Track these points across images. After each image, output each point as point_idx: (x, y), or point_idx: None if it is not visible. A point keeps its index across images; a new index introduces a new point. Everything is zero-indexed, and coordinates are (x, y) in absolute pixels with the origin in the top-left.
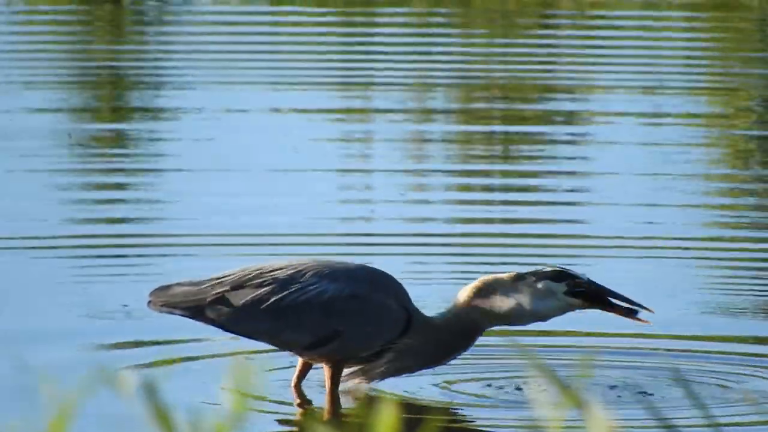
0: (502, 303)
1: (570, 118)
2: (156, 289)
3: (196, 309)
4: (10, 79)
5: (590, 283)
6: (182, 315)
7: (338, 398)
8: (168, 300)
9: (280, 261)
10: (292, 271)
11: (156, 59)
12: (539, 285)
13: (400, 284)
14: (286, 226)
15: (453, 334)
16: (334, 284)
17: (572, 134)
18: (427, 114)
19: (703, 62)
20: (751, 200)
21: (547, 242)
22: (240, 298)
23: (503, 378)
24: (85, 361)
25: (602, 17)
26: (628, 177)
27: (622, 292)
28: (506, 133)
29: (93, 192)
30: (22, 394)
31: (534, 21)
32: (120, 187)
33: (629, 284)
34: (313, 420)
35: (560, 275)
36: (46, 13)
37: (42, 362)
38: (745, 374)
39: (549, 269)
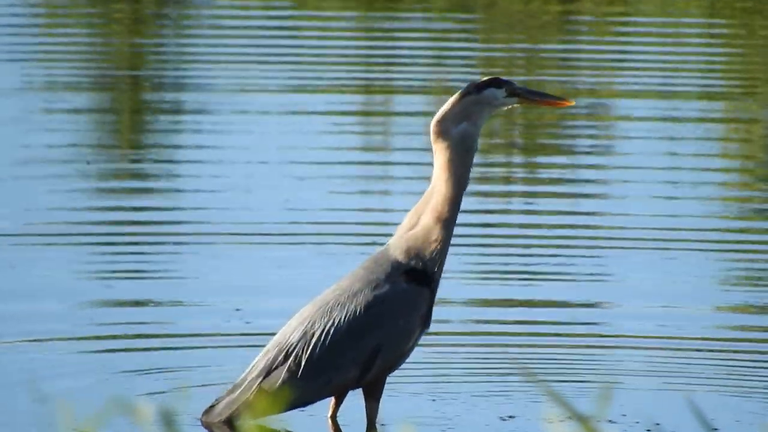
0: (464, 120)
1: (590, 111)
2: (203, 414)
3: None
4: (29, 79)
5: (521, 87)
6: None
7: (376, 429)
8: (219, 418)
9: (286, 327)
10: (302, 328)
11: (176, 61)
12: (484, 93)
13: (387, 255)
14: (305, 215)
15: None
16: (343, 310)
17: (592, 127)
18: None
19: (722, 64)
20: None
21: (565, 233)
22: (277, 379)
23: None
24: (103, 388)
25: (623, 23)
26: (646, 172)
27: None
28: (526, 129)
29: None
30: (40, 425)
31: (555, 26)
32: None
33: (649, 275)
34: None
35: (499, 82)
36: (65, 15)
37: (59, 389)
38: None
39: (486, 78)
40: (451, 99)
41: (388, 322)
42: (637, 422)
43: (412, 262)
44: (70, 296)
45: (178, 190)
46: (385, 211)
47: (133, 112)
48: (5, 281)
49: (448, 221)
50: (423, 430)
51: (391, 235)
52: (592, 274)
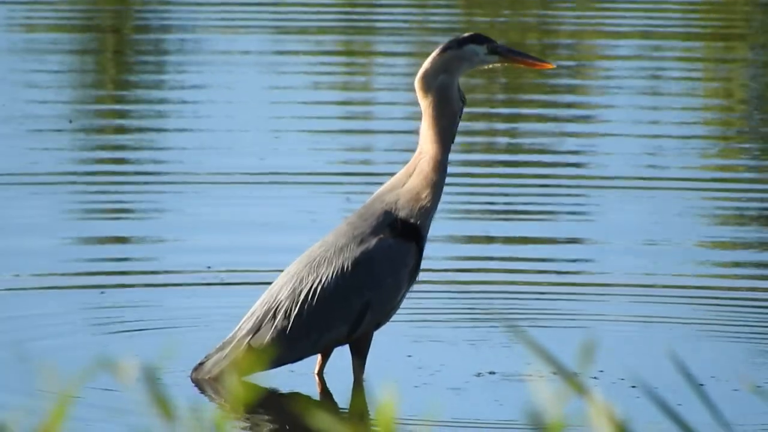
0: (443, 74)
1: (571, 74)
2: (193, 370)
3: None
4: (10, 21)
5: (502, 45)
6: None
7: (363, 386)
8: (209, 377)
9: (273, 285)
10: (290, 285)
11: (158, 2)
12: (465, 48)
13: (373, 210)
14: (288, 165)
15: (441, 117)
16: (330, 266)
17: (572, 85)
18: None
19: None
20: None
21: (553, 191)
22: (265, 337)
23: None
24: (86, 346)
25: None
26: (628, 111)
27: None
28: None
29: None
30: (22, 381)
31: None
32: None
33: (634, 222)
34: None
35: (480, 38)
36: None
37: (41, 348)
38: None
39: (466, 34)
40: (432, 54)
41: (377, 279)
42: (622, 379)
43: (401, 215)
44: (52, 234)
45: (160, 130)
46: (367, 150)
47: (115, 52)
48: None
49: (435, 181)
50: (402, 387)
51: (374, 175)
52: (574, 213)
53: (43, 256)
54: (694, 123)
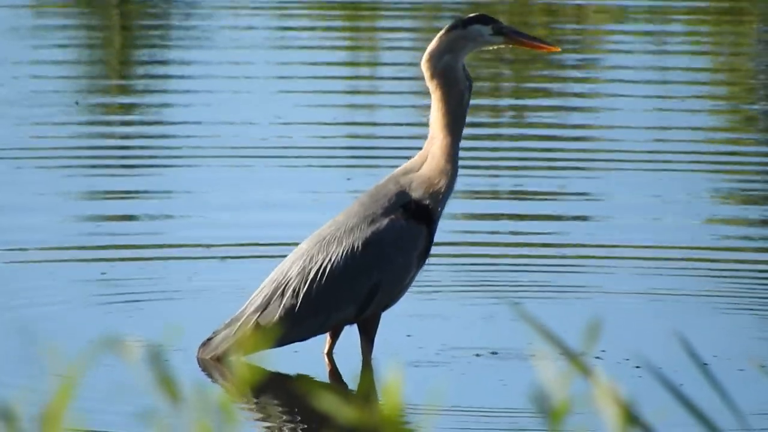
0: (449, 51)
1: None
2: (200, 347)
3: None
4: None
5: (508, 26)
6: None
7: (371, 367)
8: (215, 353)
9: (283, 263)
10: (300, 263)
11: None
12: (470, 28)
13: (385, 191)
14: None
15: (450, 103)
16: (341, 246)
17: (580, 60)
18: None
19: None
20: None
21: (554, 156)
22: (273, 314)
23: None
24: (89, 319)
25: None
26: (635, 86)
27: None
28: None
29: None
30: (27, 362)
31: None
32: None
33: (638, 191)
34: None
35: (485, 19)
36: None
37: (47, 327)
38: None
39: (471, 15)
40: (438, 35)
41: (387, 260)
42: (627, 359)
43: (414, 197)
44: (57, 211)
45: (166, 105)
46: (373, 124)
47: (122, 28)
48: None
49: (447, 168)
50: (406, 367)
51: (378, 149)
52: (580, 193)
53: (47, 231)
54: (702, 97)
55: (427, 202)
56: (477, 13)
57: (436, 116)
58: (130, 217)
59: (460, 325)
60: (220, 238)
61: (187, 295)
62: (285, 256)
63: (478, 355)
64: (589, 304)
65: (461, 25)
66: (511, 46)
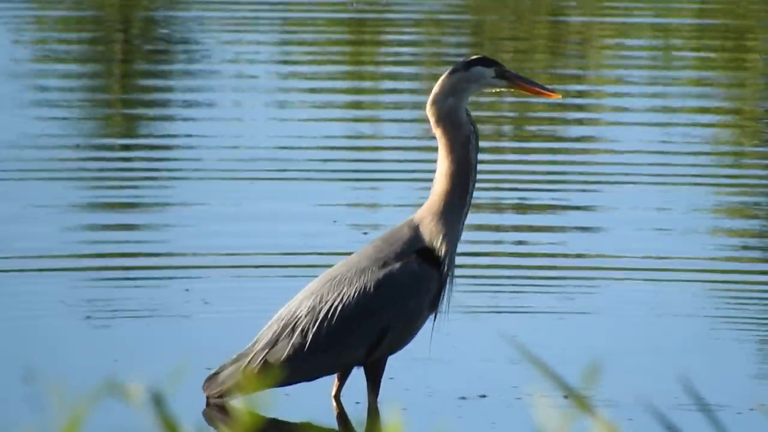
0: (452, 94)
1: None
2: (206, 381)
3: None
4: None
5: (510, 70)
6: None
7: (377, 411)
8: (222, 389)
9: (293, 301)
10: (309, 302)
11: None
12: (472, 70)
13: (399, 235)
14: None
15: (459, 161)
16: (352, 287)
17: (581, 74)
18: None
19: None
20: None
21: (555, 169)
22: (281, 353)
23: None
24: (95, 369)
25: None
26: (639, 99)
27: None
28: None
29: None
30: (31, 403)
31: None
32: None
33: (641, 211)
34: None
35: (487, 61)
36: None
37: (51, 370)
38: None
39: (474, 57)
40: (440, 79)
41: (398, 303)
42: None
43: (425, 243)
44: (57, 221)
45: (168, 118)
46: (375, 137)
47: (124, 42)
48: None
49: (443, 215)
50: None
51: (384, 161)
52: (583, 207)
53: (48, 240)
54: (705, 111)
55: (437, 250)
56: (479, 55)
57: (440, 163)
58: (131, 227)
59: (451, 367)
60: (221, 248)
61: (187, 308)
62: (287, 267)
63: (463, 398)
64: (591, 322)
65: (463, 67)
66: (512, 90)
